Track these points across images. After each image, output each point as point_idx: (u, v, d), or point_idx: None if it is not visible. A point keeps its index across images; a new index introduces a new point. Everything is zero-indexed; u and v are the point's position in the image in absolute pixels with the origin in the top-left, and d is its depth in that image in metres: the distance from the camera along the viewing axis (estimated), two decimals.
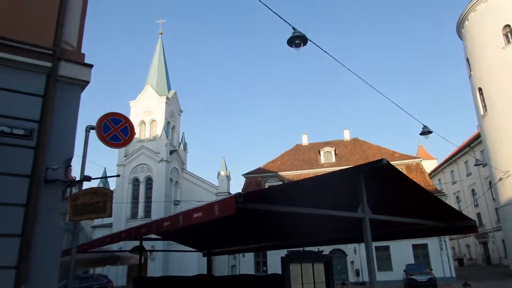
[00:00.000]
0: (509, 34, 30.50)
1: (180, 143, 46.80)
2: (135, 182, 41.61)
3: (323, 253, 8.12)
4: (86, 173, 6.25)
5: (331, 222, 7.91)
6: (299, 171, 36.13)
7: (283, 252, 8.74)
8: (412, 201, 7.39)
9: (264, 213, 6.12)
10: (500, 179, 30.56)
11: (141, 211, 40.31)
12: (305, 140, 43.38)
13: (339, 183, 6.25)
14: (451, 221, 8.11)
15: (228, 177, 43.64)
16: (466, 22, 35.15)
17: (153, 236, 11.37)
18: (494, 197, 37.15)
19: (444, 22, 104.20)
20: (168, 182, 41.35)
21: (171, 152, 42.66)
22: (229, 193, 39.28)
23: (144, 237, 11.84)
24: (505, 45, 30.49)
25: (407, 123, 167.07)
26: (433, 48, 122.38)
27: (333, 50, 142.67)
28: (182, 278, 10.01)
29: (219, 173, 43.73)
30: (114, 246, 26.18)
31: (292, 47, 7.67)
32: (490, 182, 37.03)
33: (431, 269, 27.40)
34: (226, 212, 4.36)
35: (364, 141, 41.07)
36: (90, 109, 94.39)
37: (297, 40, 7.63)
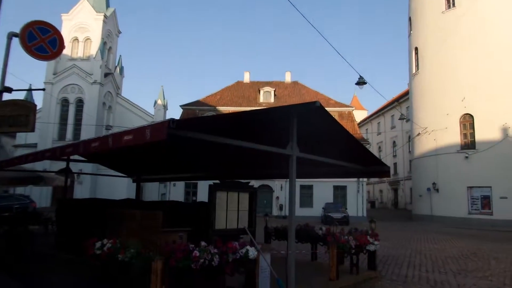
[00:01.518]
0: (451, 0, 31.66)
1: (116, 66, 44.12)
2: (64, 103, 39.14)
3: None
4: (7, 85, 5.77)
5: (262, 157, 8.24)
6: (237, 107, 36.29)
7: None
8: (338, 144, 7.89)
9: (197, 143, 6.18)
10: (418, 134, 33.36)
11: (69, 134, 38.47)
12: (246, 78, 43.18)
13: (273, 120, 6.44)
14: (369, 165, 8.86)
15: (165, 107, 42.60)
16: None
17: (80, 158, 11.07)
18: (410, 150, 40.71)
19: None
20: (101, 106, 39.47)
21: (106, 75, 40.25)
22: None
23: (70, 158, 11.50)
24: (445, 10, 31.70)
25: (346, 73, 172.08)
26: (382, 4, 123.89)
27: None
28: (107, 200, 10.00)
29: (155, 102, 42.45)
30: (38, 167, 25.14)
31: None
32: (409, 137, 40.31)
33: (346, 209, 30.13)
34: (158, 137, 4.33)
35: (304, 85, 41.91)
36: (19, 20, 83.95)
37: None
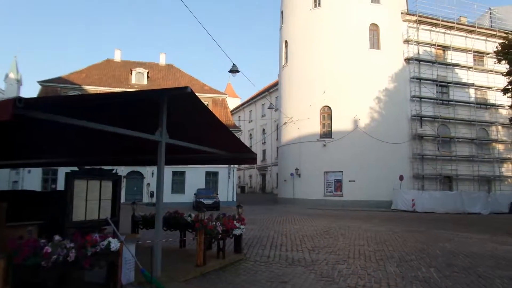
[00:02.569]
0: None
1: None
2: None
3: (120, 174, 8.04)
4: None
5: (131, 143, 7.82)
6: (106, 88, 33.66)
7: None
8: (209, 131, 7.97)
9: (53, 125, 5.53)
10: (285, 123, 35.95)
11: None
12: (117, 56, 40.23)
13: (142, 104, 6.13)
14: (238, 152, 9.19)
15: (19, 82, 37.19)
16: None
17: None
18: (278, 138, 43.68)
19: None
20: None
21: None
22: None
23: None
24: (312, 8, 34.52)
25: (221, 61, 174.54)
26: None
27: None
28: None
29: (7, 75, 36.67)
30: None
31: None
32: (277, 125, 43.17)
33: (217, 194, 30.90)
34: (1, 117, 3.72)
35: (179, 69, 41.08)
36: None
37: None
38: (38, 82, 33.30)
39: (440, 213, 25.43)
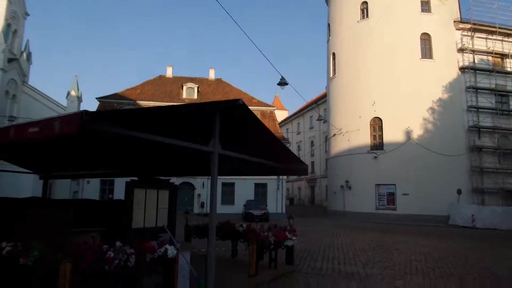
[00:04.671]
0: (365, 10, 34.06)
1: (22, 52, 39.92)
2: None
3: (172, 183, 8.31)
4: None
5: (183, 154, 8.06)
6: (159, 102, 35.12)
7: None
8: (259, 143, 8.02)
9: (113, 137, 5.83)
10: (334, 135, 35.40)
11: None
12: (169, 72, 42.00)
13: (195, 116, 6.31)
14: (289, 163, 9.15)
15: (79, 99, 39.64)
16: None
17: None
18: (326, 149, 43.03)
19: None
20: (3, 95, 35.49)
21: (10, 61, 36.25)
22: None
23: None
24: (360, 19, 34.07)
25: (269, 74, 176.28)
26: (304, 11, 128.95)
27: None
28: (7, 199, 9.01)
29: (68, 93, 39.32)
30: None
31: None
32: (326, 137, 42.59)
33: (266, 205, 30.91)
34: (68, 130, 3.96)
35: (227, 83, 41.98)
36: None
37: None
38: (97, 98, 35.54)
39: (503, 230, 23.60)
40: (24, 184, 29.08)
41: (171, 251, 5.03)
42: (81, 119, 3.90)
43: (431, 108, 30.43)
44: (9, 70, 35.98)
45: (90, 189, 32.04)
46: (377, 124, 32.21)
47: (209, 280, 5.81)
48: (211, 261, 6.24)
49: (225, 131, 6.84)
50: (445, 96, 30.63)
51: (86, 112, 4.00)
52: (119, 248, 4.52)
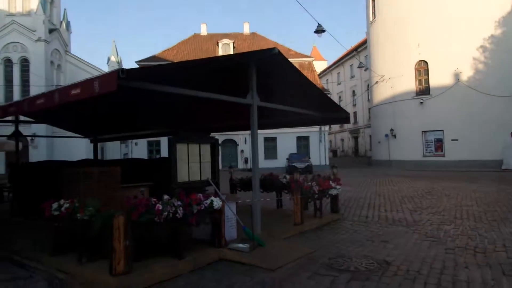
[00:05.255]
0: None
1: (61, 21, 40.89)
2: (8, 63, 36.26)
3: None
4: None
5: (223, 108, 8.07)
6: None
7: None
8: (299, 92, 7.83)
9: (151, 95, 5.90)
10: (376, 82, 34.00)
11: (17, 95, 36.02)
12: (203, 30, 41.62)
13: (231, 69, 6.21)
14: (330, 112, 8.93)
15: (119, 63, 40.61)
16: None
17: (29, 119, 10.40)
18: (369, 98, 41.64)
19: None
20: (49, 65, 36.94)
21: (51, 31, 37.32)
22: None
23: (19, 120, 10.79)
24: None
25: (305, 23, 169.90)
26: None
27: None
28: (62, 162, 9.57)
29: (109, 59, 40.34)
30: None
31: None
32: (368, 85, 41.08)
33: (309, 158, 30.89)
34: (107, 88, 4.02)
35: (263, 37, 41.03)
36: None
37: None
38: (136, 62, 36.25)
39: None
40: (77, 148, 30.83)
41: (216, 202, 5.15)
42: (118, 77, 3.95)
43: (482, 46, 28.10)
44: (51, 41, 37.15)
45: (139, 150, 33.56)
46: (422, 68, 30.45)
47: (255, 228, 5.96)
48: (256, 211, 6.37)
49: (264, 83, 6.71)
50: (498, 32, 28.06)
51: (122, 69, 4.04)
52: (167, 201, 4.67)
